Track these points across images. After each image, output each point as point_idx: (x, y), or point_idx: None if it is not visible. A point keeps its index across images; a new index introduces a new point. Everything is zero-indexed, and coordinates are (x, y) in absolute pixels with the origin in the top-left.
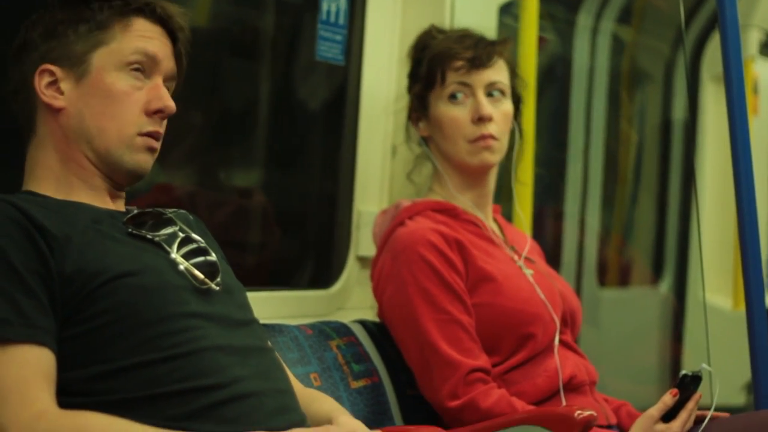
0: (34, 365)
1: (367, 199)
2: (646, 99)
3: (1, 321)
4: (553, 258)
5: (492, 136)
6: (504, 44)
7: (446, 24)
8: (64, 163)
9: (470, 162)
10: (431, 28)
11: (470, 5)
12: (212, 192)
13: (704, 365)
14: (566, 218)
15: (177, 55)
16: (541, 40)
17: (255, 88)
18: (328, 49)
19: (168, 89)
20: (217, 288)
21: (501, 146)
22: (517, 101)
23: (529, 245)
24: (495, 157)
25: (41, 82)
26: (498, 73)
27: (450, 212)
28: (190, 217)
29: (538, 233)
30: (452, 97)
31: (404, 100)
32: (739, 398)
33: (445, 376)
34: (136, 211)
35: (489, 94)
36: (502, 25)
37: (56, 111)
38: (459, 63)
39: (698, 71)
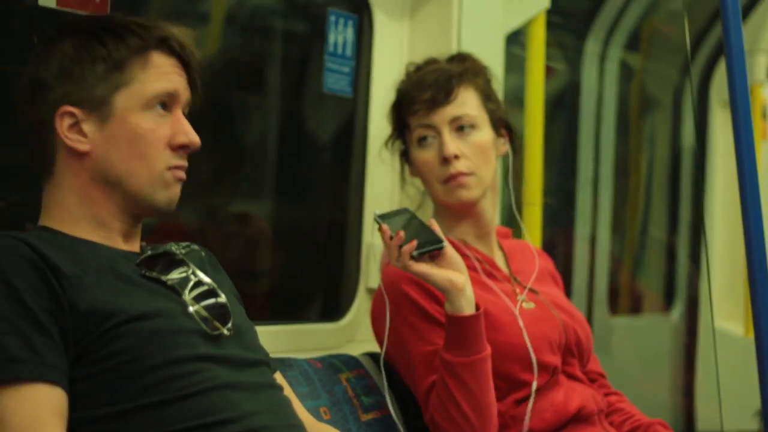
0: (47, 404)
1: (376, 231)
2: (656, 125)
3: (15, 359)
4: (564, 286)
5: (462, 174)
6: (468, 74)
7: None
8: (84, 205)
9: (448, 201)
10: (407, 66)
11: (477, 35)
12: (221, 224)
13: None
14: (576, 246)
15: (192, 83)
16: (549, 70)
17: (263, 120)
18: (336, 81)
19: (184, 114)
20: (228, 333)
21: (478, 180)
22: (500, 124)
23: (539, 270)
24: (472, 193)
25: (63, 125)
26: (462, 106)
27: None
28: (203, 253)
29: None
30: (421, 140)
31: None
32: (752, 424)
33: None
34: (149, 252)
35: (459, 128)
36: (509, 55)
37: (81, 154)
38: (417, 107)
39: (707, 97)
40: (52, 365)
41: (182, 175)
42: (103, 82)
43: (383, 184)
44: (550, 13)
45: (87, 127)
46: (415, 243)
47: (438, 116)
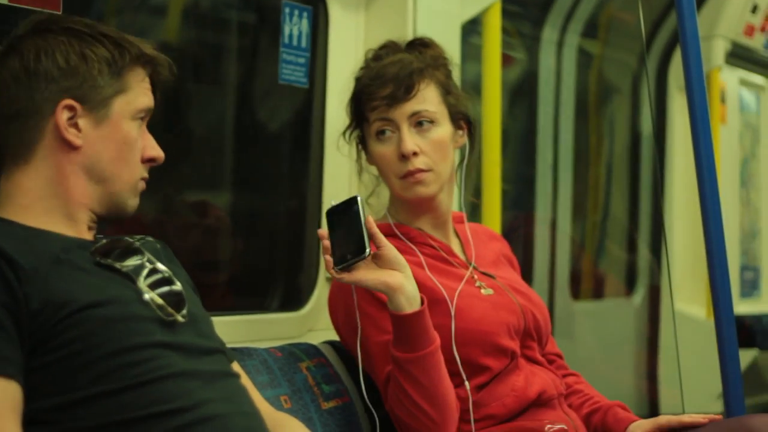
0: (2, 398)
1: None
2: (615, 112)
3: None
4: (525, 272)
5: (420, 170)
6: (429, 69)
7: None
8: (56, 196)
9: (406, 196)
10: (366, 54)
11: (433, 24)
12: (178, 215)
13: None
14: (537, 232)
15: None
16: (507, 59)
17: (220, 111)
18: (292, 72)
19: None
20: (183, 319)
21: (436, 176)
22: (459, 117)
23: (495, 254)
24: (430, 189)
25: (63, 116)
26: (422, 102)
27: (405, 236)
28: (158, 245)
29: None
30: (380, 133)
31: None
32: (716, 406)
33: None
34: (104, 241)
35: (418, 123)
36: (467, 44)
37: (71, 148)
38: (376, 102)
39: (665, 83)
40: (5, 358)
41: (144, 186)
42: (108, 85)
43: (341, 174)
44: (506, 1)
45: (83, 123)
46: (331, 259)
47: (397, 112)
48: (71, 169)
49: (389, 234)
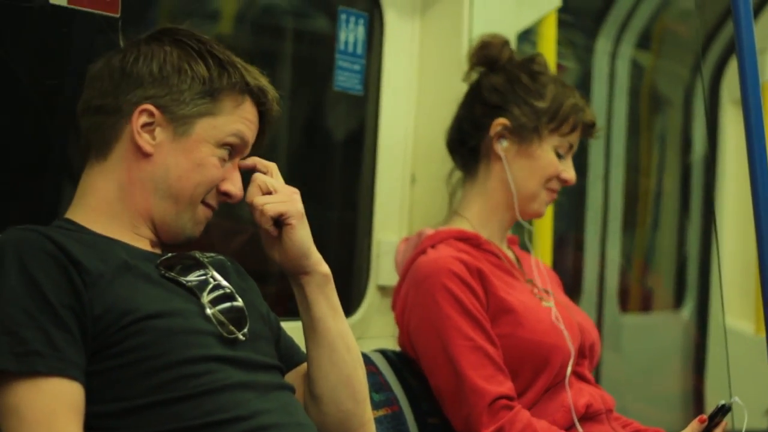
0: (63, 398)
1: (386, 228)
2: (666, 123)
3: (34, 353)
4: (574, 284)
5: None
6: None
7: (464, 52)
8: (123, 201)
9: (538, 210)
10: (538, 57)
11: (489, 32)
12: (230, 222)
13: (737, 398)
14: (587, 244)
15: (261, 135)
16: (560, 68)
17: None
18: (347, 79)
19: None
20: (243, 338)
21: None
22: None
23: (547, 276)
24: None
25: (139, 121)
26: None
27: (472, 241)
28: (227, 261)
29: (558, 259)
30: (560, 152)
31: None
32: (762, 423)
33: (472, 404)
34: (170, 255)
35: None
36: (520, 53)
37: (143, 154)
38: (581, 127)
39: (717, 95)
40: (70, 361)
41: (210, 216)
42: (194, 103)
43: (393, 181)
44: (562, 11)
45: (160, 133)
46: None
47: (577, 142)
48: (140, 176)
49: (459, 238)
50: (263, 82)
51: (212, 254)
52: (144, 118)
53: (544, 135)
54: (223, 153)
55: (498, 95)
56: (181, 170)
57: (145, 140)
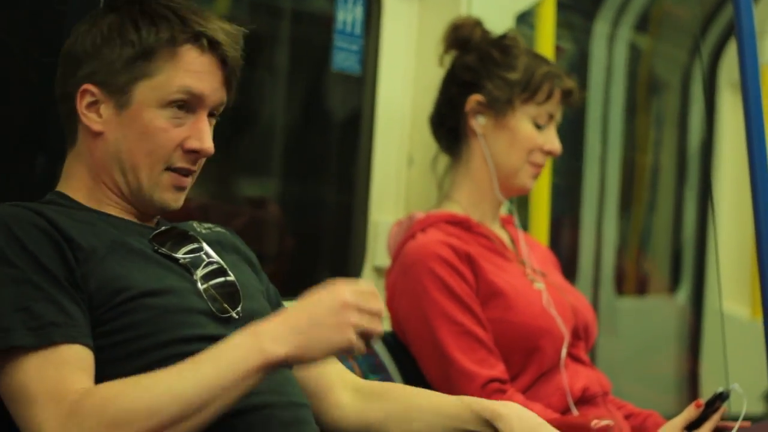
0: (76, 363)
1: (383, 209)
2: (664, 106)
3: (50, 324)
4: (570, 266)
5: (542, 167)
6: None
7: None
8: (96, 182)
9: (525, 185)
10: (509, 33)
11: (487, 14)
12: (227, 203)
13: (736, 385)
14: (583, 227)
15: (227, 82)
16: (558, 50)
17: (271, 98)
18: (345, 59)
19: (215, 116)
20: (237, 316)
21: None
22: None
23: (542, 257)
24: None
25: (82, 102)
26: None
27: (462, 224)
28: (227, 234)
29: (554, 242)
30: (539, 122)
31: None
32: (758, 407)
33: (462, 388)
34: (163, 228)
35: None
36: (520, 35)
37: (95, 133)
38: (558, 94)
39: (715, 79)
40: (82, 328)
41: (182, 182)
42: (127, 69)
43: (390, 163)
44: None
45: (104, 109)
46: None
47: (558, 111)
48: (100, 157)
49: (450, 222)
50: (210, 26)
51: (210, 225)
52: (87, 99)
53: (517, 106)
54: (173, 113)
55: (471, 73)
56: (129, 142)
57: (92, 120)
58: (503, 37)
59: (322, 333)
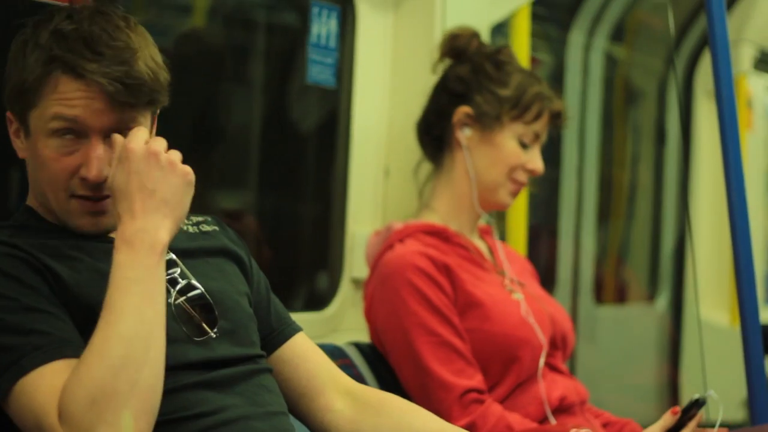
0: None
1: (360, 220)
2: (640, 115)
3: (63, 340)
4: (549, 276)
5: (524, 185)
6: None
7: (438, 45)
8: (44, 204)
9: (503, 201)
10: (505, 48)
11: (461, 26)
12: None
13: (712, 392)
14: (561, 236)
15: (121, 101)
16: (534, 61)
17: (247, 111)
18: (319, 72)
19: (122, 135)
20: (215, 335)
21: None
22: None
23: (520, 267)
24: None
25: (11, 128)
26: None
27: (440, 235)
28: (217, 230)
29: (532, 251)
30: (524, 142)
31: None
32: (738, 414)
33: (440, 399)
34: None
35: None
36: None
37: (22, 158)
38: (546, 115)
39: (691, 87)
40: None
41: (96, 206)
42: (21, 98)
43: (367, 174)
44: (535, 4)
45: (21, 136)
46: None
47: (545, 132)
48: (30, 179)
49: (428, 232)
50: (85, 53)
51: (200, 220)
52: (13, 125)
53: (505, 122)
54: (60, 141)
55: (462, 84)
56: (34, 171)
57: (17, 146)
58: (499, 51)
59: (165, 189)
